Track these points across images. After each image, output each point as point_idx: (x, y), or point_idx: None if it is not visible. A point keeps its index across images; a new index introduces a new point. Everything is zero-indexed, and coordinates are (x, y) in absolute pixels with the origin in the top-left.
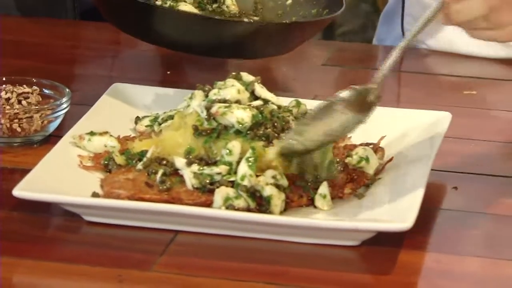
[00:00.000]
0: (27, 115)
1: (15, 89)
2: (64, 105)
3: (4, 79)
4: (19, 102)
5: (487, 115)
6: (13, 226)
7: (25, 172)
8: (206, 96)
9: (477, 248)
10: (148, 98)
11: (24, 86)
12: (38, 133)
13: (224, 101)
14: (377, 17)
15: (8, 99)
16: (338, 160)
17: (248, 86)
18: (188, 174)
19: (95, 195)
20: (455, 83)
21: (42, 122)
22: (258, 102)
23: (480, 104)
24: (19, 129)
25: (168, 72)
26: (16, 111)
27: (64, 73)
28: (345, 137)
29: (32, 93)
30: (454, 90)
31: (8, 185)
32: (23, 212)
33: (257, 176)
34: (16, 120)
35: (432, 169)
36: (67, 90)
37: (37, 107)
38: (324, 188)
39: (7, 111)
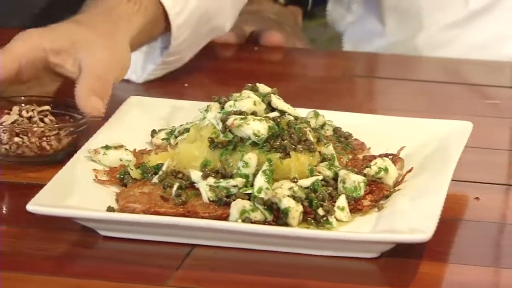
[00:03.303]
0: (53, 132)
1: (34, 108)
2: (85, 120)
3: (23, 98)
4: (41, 120)
5: (511, 125)
6: (28, 242)
7: (41, 187)
8: (222, 108)
9: (499, 259)
10: (165, 111)
11: (39, 105)
12: (65, 150)
13: (240, 113)
14: None
15: (30, 118)
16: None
17: (265, 97)
18: (204, 187)
19: (110, 209)
20: (477, 92)
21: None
22: (274, 114)
23: (503, 113)
24: (48, 147)
25: (186, 85)
26: (42, 129)
27: None
28: (364, 148)
29: (51, 111)
30: (476, 99)
31: (23, 201)
32: (38, 227)
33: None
34: (44, 138)
35: (453, 180)
36: None
37: (61, 124)
38: (342, 200)
39: (35, 129)
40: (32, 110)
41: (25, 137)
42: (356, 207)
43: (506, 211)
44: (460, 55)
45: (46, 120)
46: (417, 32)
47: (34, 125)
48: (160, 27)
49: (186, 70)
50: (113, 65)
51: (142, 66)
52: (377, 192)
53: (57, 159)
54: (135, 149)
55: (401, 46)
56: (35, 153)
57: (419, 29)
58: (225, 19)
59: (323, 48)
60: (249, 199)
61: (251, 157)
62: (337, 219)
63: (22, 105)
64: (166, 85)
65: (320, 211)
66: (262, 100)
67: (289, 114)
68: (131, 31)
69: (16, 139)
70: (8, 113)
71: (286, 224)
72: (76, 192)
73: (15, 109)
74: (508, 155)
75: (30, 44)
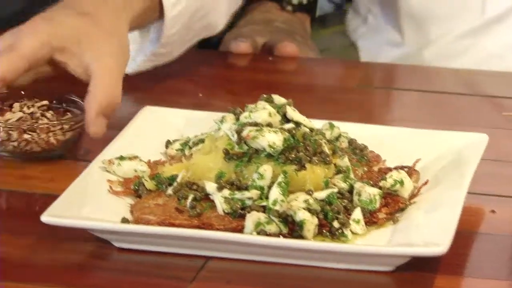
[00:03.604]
0: (58, 127)
1: (34, 103)
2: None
3: (23, 92)
4: (42, 115)
5: None
6: (42, 253)
7: (55, 197)
8: (237, 119)
9: None
10: (179, 121)
11: (37, 99)
12: (68, 144)
13: (255, 124)
14: None
15: (32, 113)
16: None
17: (280, 109)
18: (219, 199)
19: (124, 220)
20: (494, 104)
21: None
22: (290, 125)
23: None
24: (54, 142)
25: (200, 95)
26: (48, 124)
27: None
28: (380, 161)
29: (49, 105)
30: (492, 111)
31: (38, 211)
32: (52, 238)
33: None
34: (50, 134)
35: (468, 192)
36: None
37: (65, 118)
38: (358, 213)
39: (42, 126)
40: (33, 106)
41: (33, 134)
42: (371, 219)
43: None
44: (476, 64)
45: (48, 115)
46: (434, 41)
47: (41, 121)
48: (154, 15)
49: (201, 80)
50: (120, 67)
51: (132, 57)
52: (393, 205)
53: (61, 154)
54: (149, 160)
55: (417, 55)
56: (42, 148)
57: (436, 38)
58: (218, 18)
59: (337, 57)
60: (264, 211)
61: (266, 169)
62: (352, 232)
63: (22, 100)
64: (180, 95)
65: (336, 224)
66: (278, 112)
67: (305, 126)
68: (130, 17)
69: (26, 136)
70: (9, 110)
71: (301, 237)
72: (90, 203)
73: (17, 105)
74: None
75: (38, 42)
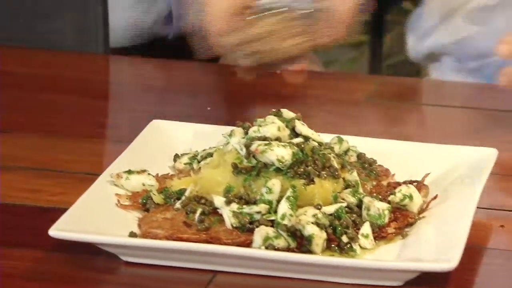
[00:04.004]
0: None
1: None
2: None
3: None
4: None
5: None
6: (50, 267)
7: (63, 211)
8: (246, 133)
9: None
10: (187, 135)
11: None
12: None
13: (264, 138)
14: None
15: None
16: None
17: (289, 123)
18: (227, 213)
19: (132, 235)
20: (501, 117)
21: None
22: (298, 140)
23: None
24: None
25: (208, 108)
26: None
27: (100, 109)
28: (389, 175)
29: None
30: (501, 125)
31: (46, 225)
32: (60, 252)
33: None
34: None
35: (477, 207)
36: None
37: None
38: (366, 228)
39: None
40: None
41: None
42: (380, 234)
43: None
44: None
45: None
46: (451, 15)
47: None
48: None
49: (209, 93)
50: None
51: None
52: (402, 220)
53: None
54: (157, 174)
55: (436, 29)
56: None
57: (456, 8)
58: None
59: (344, 69)
60: (272, 226)
61: (275, 183)
62: (361, 247)
63: None
64: (189, 108)
65: (344, 238)
66: (286, 126)
67: (313, 140)
68: None
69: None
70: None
71: (309, 251)
72: (98, 217)
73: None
74: None
75: None
